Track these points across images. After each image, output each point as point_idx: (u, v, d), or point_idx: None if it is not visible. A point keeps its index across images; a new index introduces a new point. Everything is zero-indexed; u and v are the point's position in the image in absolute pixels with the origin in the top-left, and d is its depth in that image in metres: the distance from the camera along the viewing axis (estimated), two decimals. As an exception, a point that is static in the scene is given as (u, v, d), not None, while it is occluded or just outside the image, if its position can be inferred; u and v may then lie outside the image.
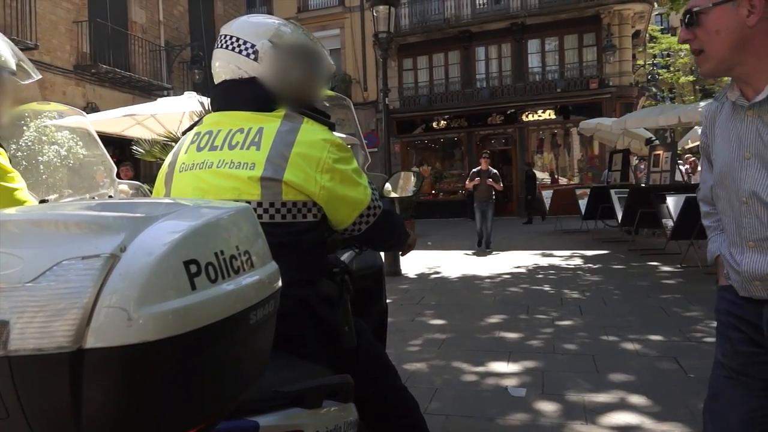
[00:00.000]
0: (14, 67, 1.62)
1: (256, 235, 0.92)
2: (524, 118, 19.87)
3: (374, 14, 8.59)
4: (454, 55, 20.94)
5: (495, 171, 10.94)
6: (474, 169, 10.98)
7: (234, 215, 0.88)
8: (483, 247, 10.79)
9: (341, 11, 21.88)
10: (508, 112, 19.97)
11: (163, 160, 6.01)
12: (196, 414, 0.77)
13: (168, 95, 15.17)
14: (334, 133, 1.55)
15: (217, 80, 1.57)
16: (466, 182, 11.26)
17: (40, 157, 12.10)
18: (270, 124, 1.44)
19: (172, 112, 8.67)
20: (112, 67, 14.58)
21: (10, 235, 0.69)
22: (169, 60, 17.15)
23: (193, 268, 0.73)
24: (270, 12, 22.75)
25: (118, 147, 15.32)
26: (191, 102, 7.95)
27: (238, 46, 1.50)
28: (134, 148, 7.29)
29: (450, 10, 20.39)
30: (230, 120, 1.49)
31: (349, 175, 1.47)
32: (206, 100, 7.35)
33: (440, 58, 21.18)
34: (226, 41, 1.53)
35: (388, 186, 2.49)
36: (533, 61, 20.26)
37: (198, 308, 0.72)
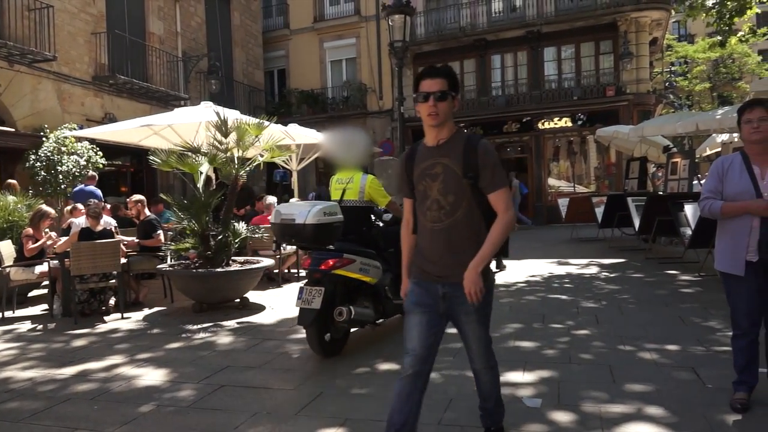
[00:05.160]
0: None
1: None
2: (540, 125, 19.77)
3: (390, 23, 8.63)
4: (470, 63, 20.93)
5: None
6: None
7: None
8: None
9: (357, 20, 21.99)
10: (524, 119, 19.88)
11: (180, 169, 6.17)
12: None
13: (185, 105, 15.34)
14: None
15: None
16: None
17: (59, 167, 12.36)
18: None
19: (188, 122, 8.76)
20: (129, 77, 14.77)
21: None
22: (186, 70, 17.34)
23: None
24: (286, 22, 22.95)
25: (136, 157, 15.54)
26: (207, 112, 8.02)
27: None
28: (151, 157, 7.37)
29: (465, 18, 20.40)
30: None
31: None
32: (222, 110, 7.41)
33: (456, 66, 21.11)
34: None
35: None
36: (549, 69, 20.17)
37: None
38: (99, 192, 10.10)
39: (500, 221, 2.50)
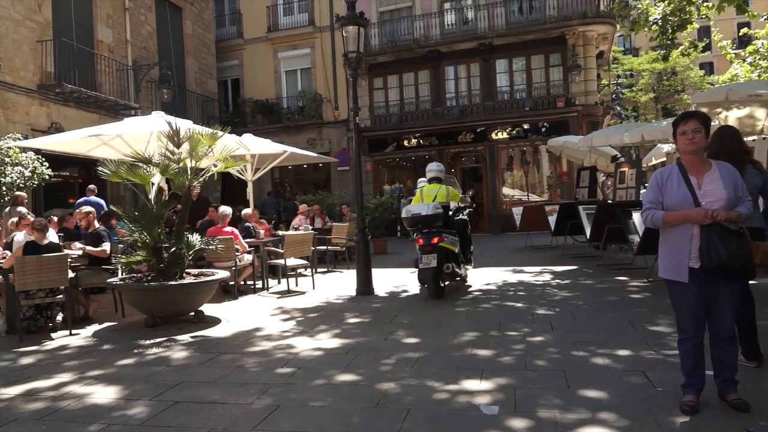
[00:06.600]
0: None
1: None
2: (494, 136, 20.13)
3: (343, 34, 8.64)
4: (424, 74, 21.17)
5: None
6: None
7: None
8: None
9: (311, 31, 21.97)
10: (478, 130, 20.21)
11: (130, 180, 5.97)
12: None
13: (135, 115, 14.98)
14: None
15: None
16: None
17: (2, 179, 11.87)
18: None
19: (139, 132, 8.55)
20: (77, 86, 14.33)
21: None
22: (136, 79, 16.96)
23: None
24: (239, 32, 22.73)
25: (84, 167, 15.06)
26: (159, 122, 7.85)
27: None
28: (100, 168, 7.15)
29: (419, 30, 20.65)
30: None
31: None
32: (174, 120, 7.27)
33: (410, 77, 21.38)
34: None
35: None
36: (501, 81, 20.58)
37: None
38: (103, 202, 11.23)
39: None
